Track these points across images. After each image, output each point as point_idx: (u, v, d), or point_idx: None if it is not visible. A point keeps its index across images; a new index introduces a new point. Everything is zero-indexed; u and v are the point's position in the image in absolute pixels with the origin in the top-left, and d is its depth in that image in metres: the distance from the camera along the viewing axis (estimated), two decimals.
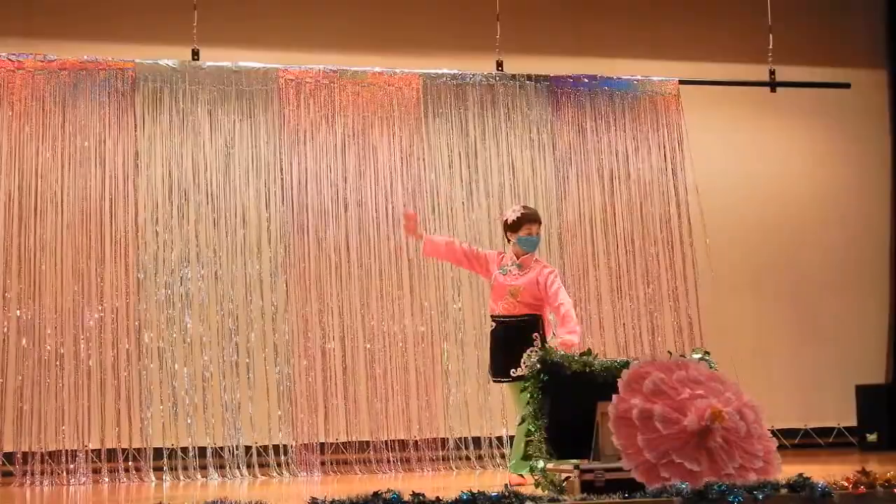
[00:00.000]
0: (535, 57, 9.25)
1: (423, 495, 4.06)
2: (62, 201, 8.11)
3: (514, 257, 6.72)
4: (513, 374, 5.91)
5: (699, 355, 5.49)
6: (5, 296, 7.96)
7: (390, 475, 7.97)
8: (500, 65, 8.80)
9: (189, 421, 8.07)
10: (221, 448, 8.08)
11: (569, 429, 5.22)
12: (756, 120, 9.85)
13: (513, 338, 6.39)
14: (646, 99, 9.27)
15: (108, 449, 7.92)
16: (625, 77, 9.28)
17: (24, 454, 7.75)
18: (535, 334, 6.09)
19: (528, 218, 6.73)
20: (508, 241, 6.81)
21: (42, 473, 7.69)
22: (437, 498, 4.07)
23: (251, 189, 8.48)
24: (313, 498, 4.05)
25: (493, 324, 6.71)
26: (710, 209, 9.24)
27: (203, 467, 7.99)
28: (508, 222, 6.77)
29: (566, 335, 6.33)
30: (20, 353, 7.89)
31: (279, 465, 8.12)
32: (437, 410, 8.47)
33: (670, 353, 5.37)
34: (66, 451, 7.81)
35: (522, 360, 5.50)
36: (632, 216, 9.08)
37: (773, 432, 4.97)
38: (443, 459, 8.39)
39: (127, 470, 7.85)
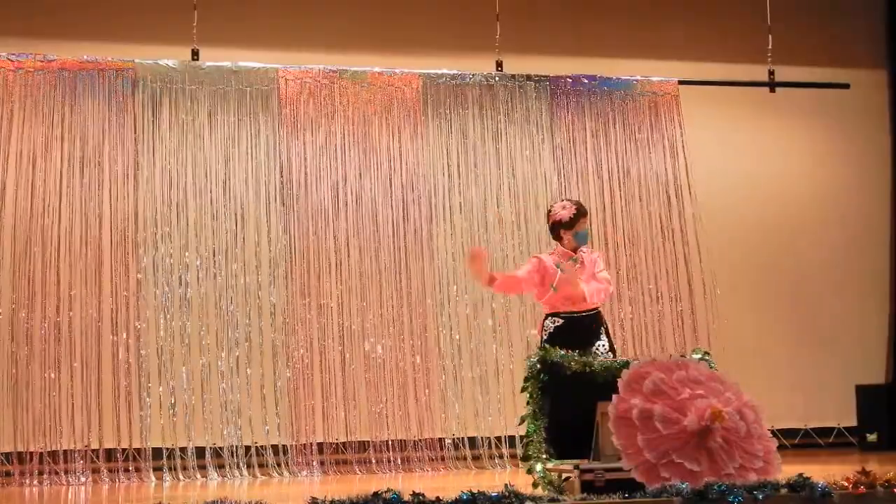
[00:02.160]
0: (535, 57, 9.25)
1: (423, 495, 4.06)
2: (61, 200, 8.11)
3: (571, 252, 6.57)
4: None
5: (699, 355, 5.49)
6: (5, 296, 7.95)
7: (390, 475, 7.97)
8: (499, 65, 8.80)
9: (188, 421, 8.06)
10: (221, 448, 8.08)
11: (569, 429, 5.21)
12: (756, 120, 9.85)
13: (580, 332, 6.36)
14: (645, 99, 9.27)
15: (107, 449, 7.92)
16: (625, 77, 9.28)
17: (24, 454, 7.75)
18: (602, 328, 6.35)
19: (583, 212, 6.60)
20: (561, 238, 6.60)
21: (41, 473, 7.69)
22: (437, 498, 4.07)
23: (251, 189, 8.49)
24: (313, 498, 4.05)
25: (559, 320, 6.52)
26: (710, 209, 9.25)
27: (203, 467, 7.99)
28: (564, 220, 6.54)
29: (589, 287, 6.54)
30: (19, 353, 7.88)
31: (279, 465, 8.12)
32: (437, 410, 8.48)
33: (670, 354, 5.36)
34: (66, 451, 7.81)
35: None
36: (631, 216, 9.08)
37: (773, 432, 4.96)
38: (442, 459, 8.39)
39: (127, 470, 7.85)
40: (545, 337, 6.52)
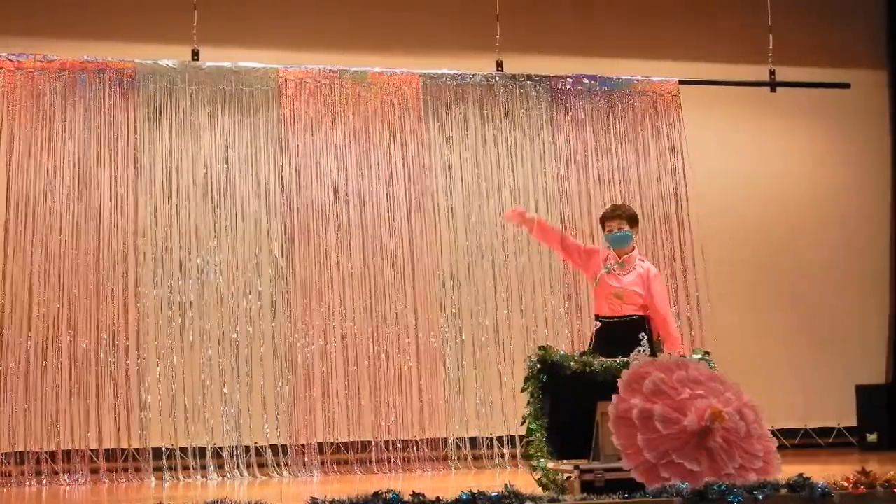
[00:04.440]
0: (535, 57, 9.25)
1: (423, 495, 4.06)
2: (62, 200, 8.11)
3: (616, 256, 6.61)
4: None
5: (699, 355, 5.48)
6: (4, 295, 7.95)
7: (390, 475, 7.97)
8: (500, 65, 8.80)
9: (188, 421, 8.06)
10: (221, 448, 8.08)
11: (569, 429, 5.21)
12: (756, 120, 9.85)
13: (618, 338, 6.24)
14: (646, 99, 9.27)
15: (107, 449, 7.92)
16: (625, 77, 9.28)
17: (24, 454, 7.75)
18: (643, 334, 6.11)
19: (606, 215, 6.65)
20: None
21: (41, 473, 7.69)
22: (437, 498, 4.07)
23: (251, 189, 8.48)
24: (313, 498, 4.05)
25: (598, 324, 6.57)
26: (710, 209, 9.25)
27: (203, 467, 7.98)
28: (600, 221, 6.79)
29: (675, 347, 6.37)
30: (20, 354, 7.88)
31: (279, 465, 8.12)
32: (437, 411, 8.47)
33: (670, 354, 5.36)
34: (66, 451, 7.81)
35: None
36: None
37: (773, 432, 4.96)
38: (443, 459, 8.39)
39: (126, 470, 7.85)
40: (591, 340, 6.55)
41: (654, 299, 6.54)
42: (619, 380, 4.84)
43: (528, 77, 9.07)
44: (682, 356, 6.01)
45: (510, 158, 8.97)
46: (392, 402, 8.40)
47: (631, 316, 6.49)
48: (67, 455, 7.81)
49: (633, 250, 6.64)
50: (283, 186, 8.50)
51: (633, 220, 6.64)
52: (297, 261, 8.42)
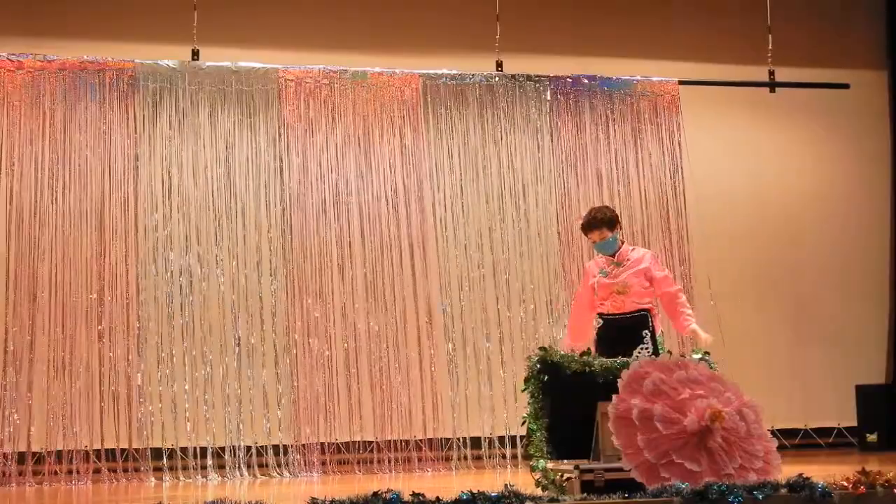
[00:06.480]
0: (535, 57, 9.25)
1: (423, 495, 4.06)
2: (62, 201, 8.11)
3: (611, 257, 6.60)
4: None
5: (699, 355, 5.48)
6: (5, 295, 7.95)
7: (391, 475, 7.97)
8: (499, 65, 8.80)
9: (188, 421, 8.06)
10: (221, 448, 8.08)
11: (569, 429, 5.22)
12: (756, 120, 9.85)
13: (620, 335, 6.29)
14: (646, 99, 9.27)
15: (107, 449, 7.92)
16: (625, 77, 9.28)
17: (24, 454, 7.75)
18: (646, 331, 6.11)
19: (585, 227, 6.63)
20: None
21: (42, 473, 7.70)
22: (437, 498, 4.07)
23: (251, 189, 8.49)
24: (313, 498, 4.05)
25: (600, 321, 6.56)
26: (710, 210, 9.25)
27: (203, 467, 7.99)
28: (582, 228, 6.73)
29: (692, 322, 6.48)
30: (19, 353, 7.88)
31: (279, 465, 8.12)
32: (439, 411, 8.47)
33: (670, 353, 5.36)
34: (66, 451, 7.81)
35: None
36: (631, 216, 9.07)
37: (773, 432, 4.96)
38: (444, 459, 8.39)
39: (126, 470, 7.85)
40: (594, 338, 6.54)
41: (659, 285, 6.56)
42: (619, 380, 4.84)
43: (528, 77, 9.07)
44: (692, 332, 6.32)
45: (510, 158, 8.97)
46: (393, 402, 8.40)
47: (633, 312, 6.51)
48: (68, 455, 7.81)
49: (621, 245, 6.64)
50: (282, 186, 8.50)
51: (612, 224, 6.58)
52: (297, 260, 8.42)
